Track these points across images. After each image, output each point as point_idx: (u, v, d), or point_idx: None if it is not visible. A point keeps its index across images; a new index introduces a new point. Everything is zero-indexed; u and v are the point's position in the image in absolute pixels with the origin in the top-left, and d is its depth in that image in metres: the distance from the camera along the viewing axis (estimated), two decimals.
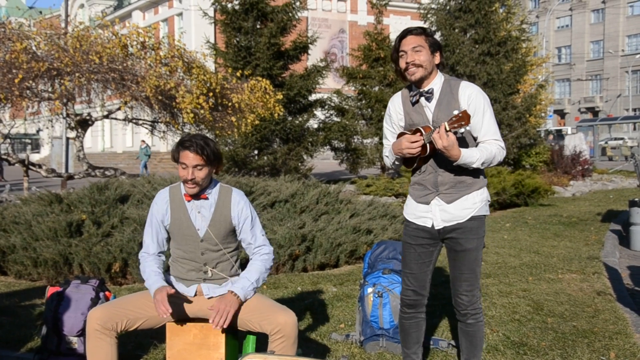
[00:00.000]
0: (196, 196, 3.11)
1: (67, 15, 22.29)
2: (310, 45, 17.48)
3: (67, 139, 15.87)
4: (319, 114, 18.65)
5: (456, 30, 15.25)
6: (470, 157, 2.92)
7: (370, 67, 19.24)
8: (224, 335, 3.03)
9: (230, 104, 11.19)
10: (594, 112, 60.81)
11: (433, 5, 15.70)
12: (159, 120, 11.90)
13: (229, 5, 16.60)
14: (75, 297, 3.81)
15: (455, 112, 2.83)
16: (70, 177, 11.99)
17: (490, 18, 15.07)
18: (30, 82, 10.13)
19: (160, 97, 10.29)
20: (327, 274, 6.40)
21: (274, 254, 6.19)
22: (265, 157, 16.45)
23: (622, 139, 41.12)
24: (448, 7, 15.53)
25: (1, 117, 11.45)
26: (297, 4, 16.85)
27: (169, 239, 3.24)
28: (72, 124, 11.52)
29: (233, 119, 11.22)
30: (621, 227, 9.28)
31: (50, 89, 10.77)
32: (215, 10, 17.48)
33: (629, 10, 60.06)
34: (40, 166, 11.82)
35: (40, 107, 12.12)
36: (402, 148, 2.97)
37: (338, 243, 6.73)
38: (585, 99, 62.57)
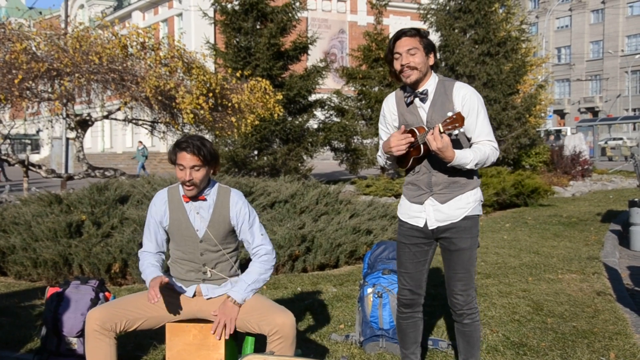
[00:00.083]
0: (195, 198, 3.10)
1: (66, 16, 22.29)
2: (310, 46, 17.49)
3: (67, 139, 15.86)
4: (319, 114, 18.65)
5: (456, 31, 15.24)
6: (464, 158, 2.93)
7: (370, 67, 19.24)
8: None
9: (230, 104, 11.19)
10: (594, 112, 60.82)
11: (433, 6, 15.69)
12: (159, 121, 11.90)
13: (229, 6, 16.60)
14: (74, 298, 3.81)
15: (450, 114, 2.83)
16: (70, 178, 11.98)
17: (490, 18, 15.06)
18: (30, 82, 10.13)
19: (160, 98, 10.29)
20: (326, 274, 6.40)
21: (275, 253, 6.23)
22: (265, 158, 16.45)
23: (620, 139, 41.15)
24: (448, 8, 15.53)
25: (1, 118, 11.44)
26: (297, 4, 16.86)
27: (167, 240, 3.25)
28: (72, 125, 11.51)
29: (233, 119, 11.22)
30: (621, 228, 9.28)
31: (50, 90, 10.77)
32: (215, 11, 17.49)
33: (628, 11, 60.08)
34: (40, 167, 11.81)
35: (40, 107, 12.13)
36: (391, 147, 2.97)
37: (338, 243, 6.73)
38: (585, 99, 62.59)
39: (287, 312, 2.97)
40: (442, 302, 4.89)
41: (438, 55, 15.44)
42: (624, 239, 8.50)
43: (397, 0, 39.32)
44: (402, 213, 3.23)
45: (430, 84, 3.06)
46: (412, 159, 3.07)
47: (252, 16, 16.51)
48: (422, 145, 2.95)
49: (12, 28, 10.31)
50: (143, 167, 27.44)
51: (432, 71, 3.09)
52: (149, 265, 3.13)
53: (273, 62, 16.28)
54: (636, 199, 8.08)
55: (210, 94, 10.79)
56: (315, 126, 18.18)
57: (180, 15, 42.01)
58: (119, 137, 46.42)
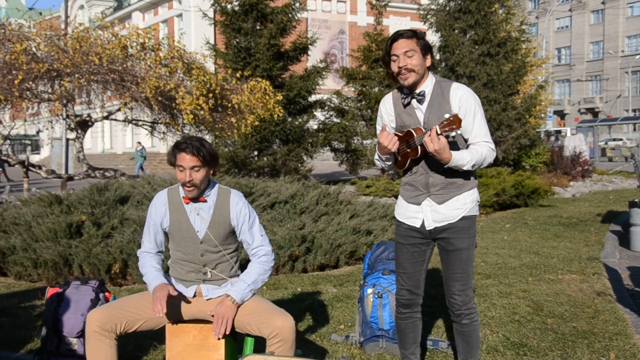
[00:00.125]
0: (195, 199, 3.10)
1: (66, 17, 22.28)
2: (310, 46, 17.49)
3: (67, 140, 15.86)
4: (319, 114, 18.65)
5: (456, 31, 15.24)
6: (461, 159, 2.94)
7: (370, 68, 19.25)
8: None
9: (230, 105, 11.19)
10: (594, 112, 60.84)
11: (433, 6, 15.69)
12: (159, 121, 11.90)
13: (229, 6, 16.60)
14: (75, 298, 3.81)
15: (447, 116, 2.84)
16: (70, 178, 11.98)
17: (489, 19, 15.06)
18: (30, 83, 10.13)
19: (160, 98, 10.29)
20: (327, 274, 6.40)
21: (274, 254, 6.23)
22: (265, 158, 16.45)
23: (620, 139, 41.16)
24: (448, 8, 15.53)
25: (1, 119, 11.44)
26: (297, 5, 16.85)
27: (166, 240, 3.24)
28: (72, 125, 11.51)
29: (233, 120, 11.22)
30: (621, 228, 9.28)
31: (50, 90, 10.76)
32: (215, 11, 17.49)
33: (628, 11, 60.11)
34: (40, 167, 11.81)
35: (40, 108, 12.13)
36: (386, 145, 2.98)
37: (338, 244, 6.73)
38: (585, 99, 62.60)
39: (286, 315, 2.96)
40: (442, 303, 4.87)
41: (438, 55, 15.57)
42: (624, 240, 8.50)
43: (397, 1, 39.33)
44: (400, 213, 3.23)
45: (428, 85, 3.06)
46: (409, 160, 3.08)
47: (252, 17, 16.51)
48: (419, 147, 2.96)
49: (12, 29, 10.31)
50: (141, 167, 27.43)
51: (429, 72, 3.09)
52: (151, 268, 3.12)
53: (273, 63, 16.28)
54: (636, 200, 8.08)
55: (210, 95, 10.79)
56: (315, 127, 18.18)
57: (180, 15, 42.02)
58: (119, 137, 46.42)
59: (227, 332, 2.93)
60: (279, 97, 12.67)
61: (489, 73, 14.71)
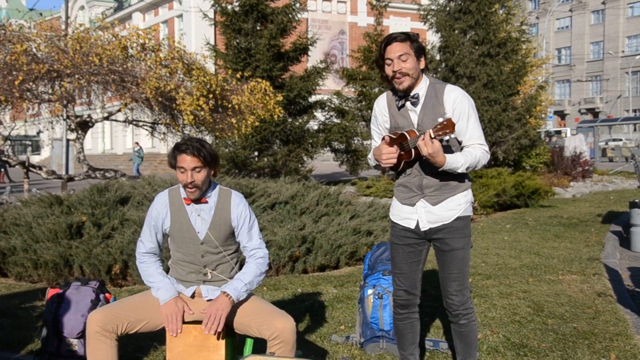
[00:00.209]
0: (197, 200, 3.10)
1: (67, 17, 22.30)
2: (310, 47, 17.49)
3: (68, 140, 15.86)
4: (319, 115, 18.66)
5: (456, 32, 15.24)
6: (455, 162, 2.95)
7: (370, 68, 19.25)
8: (224, 336, 3.03)
9: (230, 105, 11.19)
10: (594, 113, 60.83)
11: (433, 7, 15.69)
12: (159, 122, 11.90)
13: (229, 7, 16.60)
14: (75, 299, 3.81)
15: (440, 120, 2.84)
16: (71, 179, 11.98)
17: (490, 19, 15.06)
18: (31, 83, 10.13)
19: (160, 99, 10.30)
20: (327, 275, 6.40)
21: (275, 255, 6.23)
22: (266, 159, 16.45)
23: (620, 140, 41.16)
24: (448, 9, 15.53)
25: (1, 119, 11.45)
26: (297, 5, 16.86)
27: (166, 241, 3.24)
28: (72, 126, 11.52)
29: (233, 120, 11.22)
30: (622, 229, 9.27)
31: (50, 91, 10.77)
32: (215, 12, 17.49)
33: (628, 11, 60.11)
34: (40, 168, 11.81)
35: (41, 108, 12.14)
36: (382, 159, 3.00)
37: (338, 245, 6.73)
38: (586, 100, 62.60)
39: (287, 317, 2.96)
40: (442, 303, 4.89)
41: (438, 56, 15.56)
42: (625, 240, 8.49)
43: (397, 1, 39.31)
44: (394, 215, 3.25)
45: (422, 87, 3.07)
46: (403, 162, 3.08)
47: (252, 17, 16.51)
48: (413, 149, 2.97)
49: (12, 29, 10.31)
50: (138, 168, 27.41)
51: (423, 74, 3.09)
52: (159, 276, 3.12)
53: (273, 63, 16.28)
54: (637, 200, 8.08)
55: (211, 95, 10.80)
56: (316, 127, 18.18)
57: (180, 16, 42.04)
58: (120, 138, 46.44)
59: (219, 329, 2.92)
60: (279, 97, 12.67)
61: (489, 73, 14.70)
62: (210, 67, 15.21)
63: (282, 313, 3.00)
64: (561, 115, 61.99)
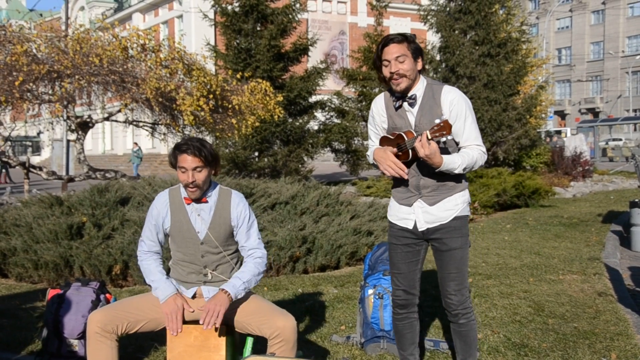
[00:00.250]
0: (197, 200, 3.10)
1: (67, 18, 22.30)
2: (310, 47, 17.50)
3: (68, 141, 15.87)
4: (320, 115, 18.67)
5: (456, 32, 15.23)
6: (452, 163, 2.96)
7: (371, 68, 19.24)
8: (224, 337, 3.03)
9: (230, 105, 11.20)
10: (595, 113, 60.83)
11: (433, 7, 15.68)
12: (160, 123, 11.91)
13: (229, 8, 16.61)
14: (75, 300, 3.81)
15: (437, 121, 2.85)
16: (71, 180, 11.99)
17: (490, 19, 15.05)
18: (31, 84, 10.14)
19: (160, 99, 10.30)
20: (327, 275, 6.40)
21: (275, 256, 6.23)
22: (266, 159, 16.46)
23: (619, 139, 41.15)
24: (448, 9, 15.52)
25: (2, 120, 11.45)
26: (297, 5, 16.86)
27: (166, 242, 3.24)
28: (73, 127, 11.53)
29: (233, 120, 11.22)
30: (622, 228, 9.27)
31: (50, 92, 10.78)
32: (215, 13, 17.50)
33: (629, 12, 60.11)
34: (40, 168, 11.82)
35: (41, 109, 12.14)
36: (384, 167, 3.01)
37: (339, 245, 6.73)
38: (586, 99, 62.60)
39: (288, 315, 2.96)
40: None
41: (438, 56, 15.55)
42: (625, 240, 8.49)
43: (398, 2, 39.31)
44: (392, 215, 3.26)
45: (419, 88, 3.08)
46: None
47: (253, 18, 16.52)
48: (410, 150, 2.98)
49: (12, 30, 10.32)
50: (136, 168, 27.39)
51: (421, 75, 3.10)
52: (158, 274, 3.12)
53: (273, 64, 16.29)
54: (637, 200, 8.08)
55: (211, 96, 10.80)
56: (316, 127, 18.19)
57: (180, 17, 42.05)
58: (120, 138, 46.46)
59: (217, 325, 2.92)
60: (280, 98, 12.68)
61: (489, 74, 14.70)
62: (211, 67, 15.22)
63: (282, 312, 3.00)
64: (561, 115, 61.99)
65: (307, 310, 4.97)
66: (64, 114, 11.37)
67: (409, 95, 3.06)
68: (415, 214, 3.14)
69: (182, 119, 11.02)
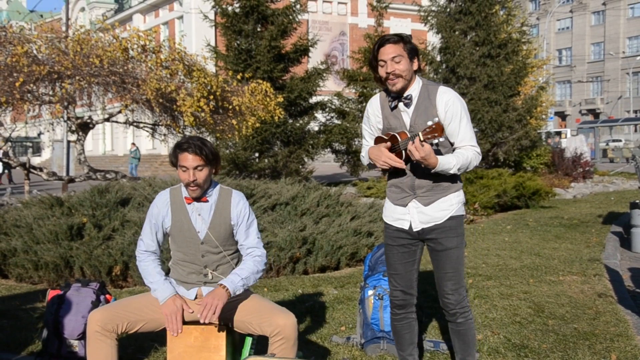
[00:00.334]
0: (198, 199, 3.11)
1: (67, 19, 22.29)
2: (310, 48, 17.51)
3: (68, 142, 15.88)
4: (320, 116, 18.68)
5: (456, 33, 15.23)
6: (447, 163, 2.97)
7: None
8: (224, 337, 3.03)
9: (230, 106, 11.20)
10: (595, 113, 60.83)
11: (433, 8, 15.68)
12: (160, 123, 11.92)
13: (230, 8, 16.62)
14: (76, 300, 3.81)
15: (429, 124, 2.86)
16: (71, 180, 11.99)
17: (490, 20, 15.05)
18: (31, 85, 10.14)
19: (161, 100, 10.31)
20: (327, 276, 6.40)
21: (275, 256, 6.23)
22: (266, 160, 16.46)
23: (619, 140, 41.16)
24: (448, 10, 15.52)
25: (2, 121, 11.46)
26: (298, 6, 16.87)
27: (166, 242, 3.25)
28: (73, 127, 11.53)
29: (234, 121, 11.22)
30: (622, 229, 9.27)
31: (51, 93, 10.78)
32: (215, 13, 17.51)
33: (629, 12, 60.11)
34: (41, 169, 11.83)
35: (41, 110, 12.15)
36: (381, 163, 3.02)
37: (339, 246, 6.73)
38: (586, 100, 62.59)
39: (288, 313, 2.97)
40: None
41: (438, 57, 15.56)
42: (625, 241, 8.49)
43: (398, 2, 39.32)
44: (387, 216, 3.27)
45: (415, 88, 3.09)
46: None
47: (253, 19, 16.53)
48: (403, 151, 2.99)
49: (13, 31, 10.33)
50: (133, 169, 27.36)
51: (416, 75, 3.11)
52: (156, 275, 3.12)
53: (274, 65, 16.30)
54: (637, 201, 8.07)
55: (211, 97, 10.81)
56: (316, 128, 18.20)
57: (181, 17, 42.06)
58: (120, 139, 46.46)
59: (215, 320, 2.92)
60: (280, 98, 12.68)
61: (489, 74, 14.70)
62: (211, 68, 15.22)
63: (283, 310, 3.00)
64: (562, 116, 61.99)
65: (307, 311, 4.97)
66: (64, 115, 11.39)
67: (405, 95, 3.07)
68: (410, 214, 3.15)
69: (183, 120, 11.02)
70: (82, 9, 55.23)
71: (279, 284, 5.96)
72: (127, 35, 11.05)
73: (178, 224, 3.13)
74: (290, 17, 16.77)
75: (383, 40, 3.02)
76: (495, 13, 15.21)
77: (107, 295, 3.95)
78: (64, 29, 21.36)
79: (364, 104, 19.10)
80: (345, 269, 6.80)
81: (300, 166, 16.92)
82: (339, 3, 46.76)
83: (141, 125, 12.43)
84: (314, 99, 17.73)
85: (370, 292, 4.08)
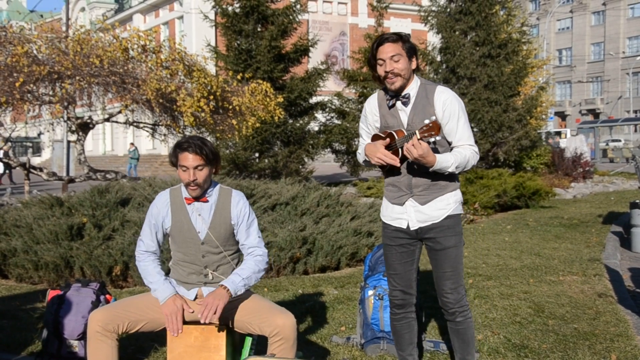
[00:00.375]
0: (198, 199, 3.11)
1: (68, 19, 22.29)
2: (311, 48, 17.50)
3: (68, 142, 15.88)
4: (320, 116, 18.67)
5: (457, 33, 15.23)
6: (445, 162, 2.97)
7: None
8: (224, 337, 3.03)
9: (231, 107, 11.21)
10: (595, 114, 60.83)
11: (433, 8, 15.68)
12: (160, 124, 11.92)
13: (230, 8, 16.61)
14: (76, 301, 3.81)
15: (426, 122, 2.87)
16: (71, 181, 11.99)
17: (490, 20, 15.05)
18: (31, 85, 10.15)
19: (161, 100, 10.31)
20: (328, 276, 6.40)
21: (275, 256, 6.23)
22: (266, 160, 16.46)
23: (619, 140, 41.16)
24: (448, 10, 15.52)
25: (2, 121, 11.46)
26: (298, 6, 16.87)
27: (166, 242, 3.25)
28: (73, 127, 11.54)
29: (234, 121, 11.23)
30: (622, 229, 9.27)
31: (51, 93, 10.79)
32: (215, 13, 17.51)
33: (629, 12, 60.12)
34: (41, 169, 11.83)
35: (41, 110, 12.15)
36: (376, 159, 3.02)
37: (339, 246, 6.73)
38: (586, 100, 62.59)
39: (287, 314, 2.97)
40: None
41: (439, 57, 15.56)
42: (626, 241, 8.49)
43: (398, 2, 39.32)
44: (385, 215, 3.28)
45: (413, 87, 3.09)
46: None
47: (253, 19, 16.53)
48: (400, 149, 2.99)
49: (13, 31, 10.34)
50: (131, 169, 27.37)
51: (415, 74, 3.12)
52: (156, 275, 3.12)
53: (274, 65, 16.29)
54: (637, 201, 8.07)
55: (211, 97, 10.81)
56: (316, 128, 18.20)
57: (181, 18, 42.06)
58: (120, 139, 46.45)
59: (215, 320, 2.92)
60: (280, 99, 12.69)
61: (489, 74, 14.70)
62: (211, 68, 15.22)
63: (282, 310, 3.00)
64: (562, 116, 61.99)
65: (308, 311, 4.97)
66: (64, 115, 11.39)
67: (403, 94, 3.08)
68: (407, 214, 3.15)
69: (183, 120, 11.03)
70: (82, 9, 55.23)
71: (279, 284, 5.96)
72: (127, 35, 11.05)
73: (178, 225, 3.13)
74: (291, 17, 16.76)
75: (382, 39, 3.03)
76: (496, 13, 15.21)
77: (107, 296, 3.94)
78: (64, 29, 21.37)
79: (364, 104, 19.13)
80: (346, 269, 6.80)
81: (301, 166, 16.92)
82: (339, 3, 46.76)
83: (141, 125, 12.43)
84: (314, 99, 17.73)
85: (371, 292, 4.08)
